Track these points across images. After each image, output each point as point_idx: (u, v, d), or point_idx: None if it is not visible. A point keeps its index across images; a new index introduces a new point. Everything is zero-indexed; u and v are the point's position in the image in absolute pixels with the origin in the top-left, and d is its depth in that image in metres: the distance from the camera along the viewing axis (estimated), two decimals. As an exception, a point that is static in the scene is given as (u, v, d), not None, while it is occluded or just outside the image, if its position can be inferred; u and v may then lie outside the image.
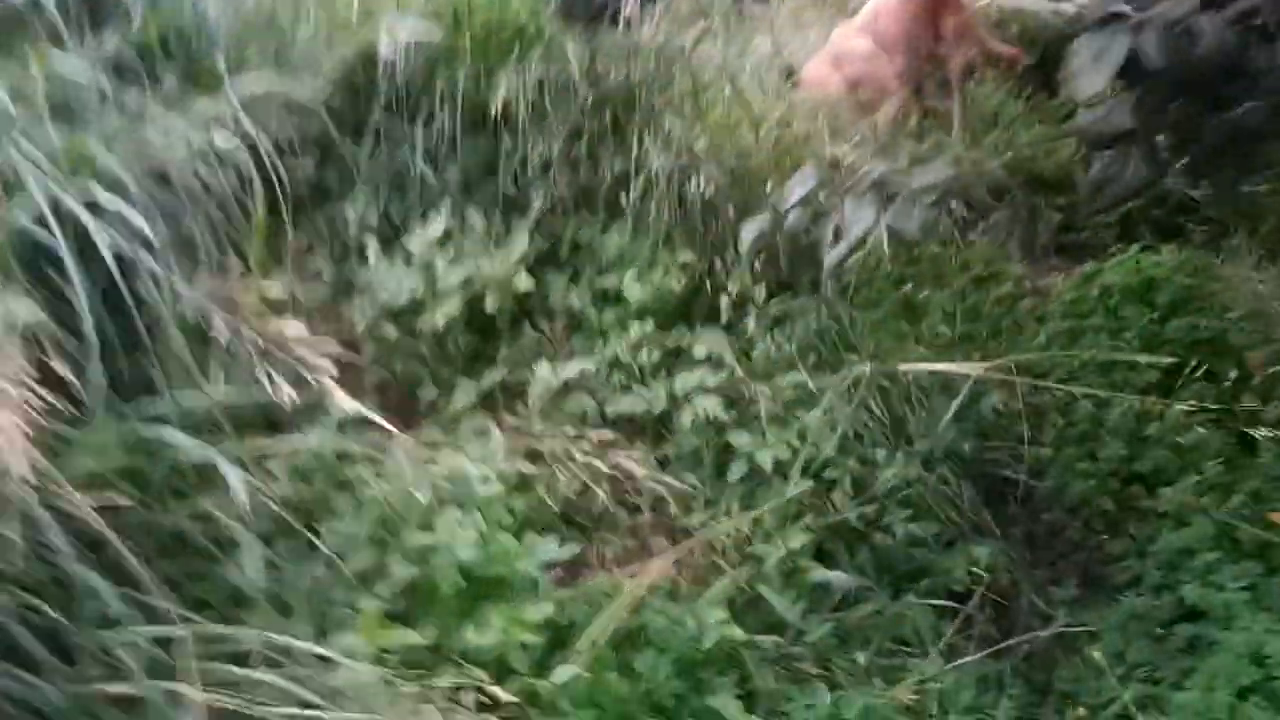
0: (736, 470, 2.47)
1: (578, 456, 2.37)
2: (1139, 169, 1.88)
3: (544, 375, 2.51)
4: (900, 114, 4.47)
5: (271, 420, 2.15)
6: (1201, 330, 3.19)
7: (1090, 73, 1.68)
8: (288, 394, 1.83)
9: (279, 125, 3.02)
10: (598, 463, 2.40)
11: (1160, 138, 1.92)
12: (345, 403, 1.85)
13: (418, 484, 2.00)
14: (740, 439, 2.49)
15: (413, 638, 1.67)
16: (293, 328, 1.97)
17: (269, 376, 1.85)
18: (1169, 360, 2.98)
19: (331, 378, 1.92)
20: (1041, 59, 5.38)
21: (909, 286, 3.19)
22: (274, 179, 3.06)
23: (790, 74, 4.44)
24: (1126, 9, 2.04)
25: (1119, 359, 3.20)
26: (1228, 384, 3.11)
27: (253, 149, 2.26)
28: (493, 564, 1.85)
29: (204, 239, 2.12)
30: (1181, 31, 1.70)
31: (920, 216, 2.00)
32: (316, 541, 1.81)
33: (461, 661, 1.69)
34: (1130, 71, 1.70)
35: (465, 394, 2.57)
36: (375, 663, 1.59)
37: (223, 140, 2.17)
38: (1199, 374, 3.15)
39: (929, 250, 3.62)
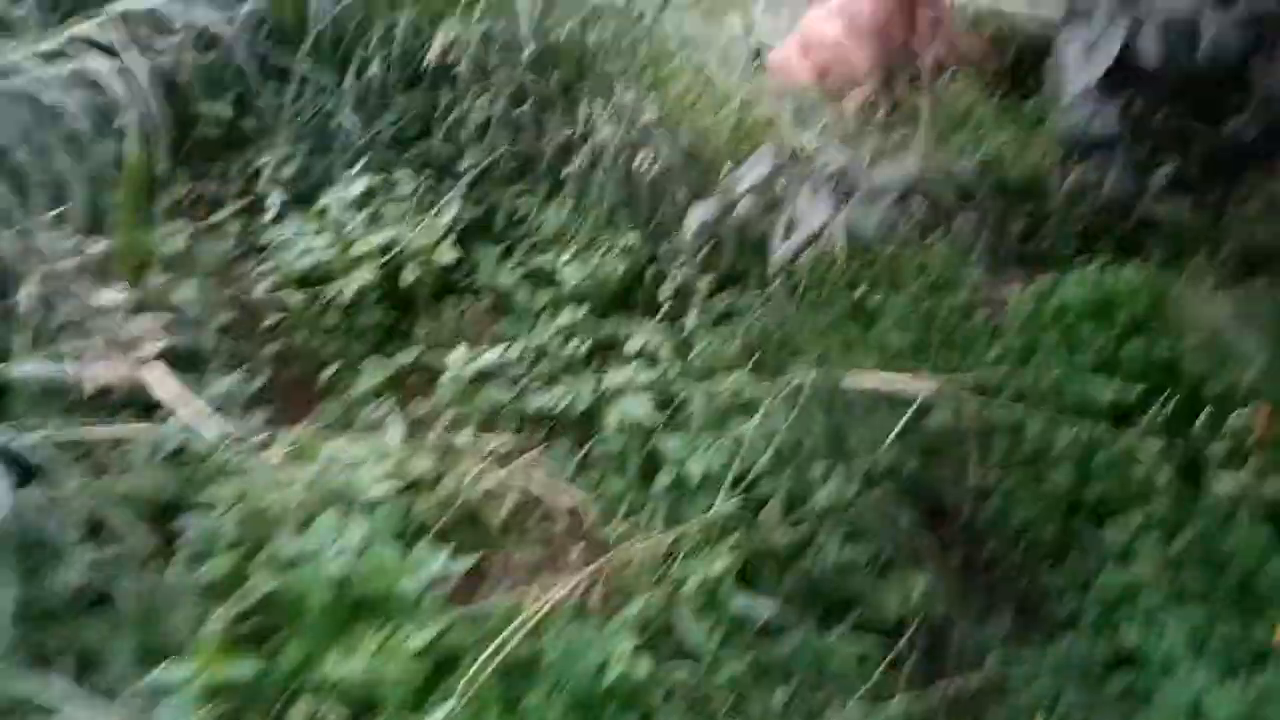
0: (663, 479, 2.26)
1: (488, 453, 2.14)
2: (1120, 179, 1.70)
3: (458, 360, 2.27)
4: (867, 104, 4.30)
5: (150, 404, 1.90)
6: (1157, 355, 3.08)
7: (1080, 68, 1.50)
8: (89, 376, 1.55)
9: (191, 60, 2.74)
10: (510, 462, 2.18)
11: (1145, 147, 1.73)
12: (167, 390, 1.56)
13: (296, 480, 1.76)
14: (669, 445, 2.28)
15: (252, 668, 1.44)
16: (111, 297, 1.68)
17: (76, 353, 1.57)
18: (1123, 388, 2.87)
19: (157, 357, 1.65)
20: (1015, 62, 5.26)
21: (863, 289, 3.02)
22: (172, 119, 2.79)
23: (759, 54, 4.24)
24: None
25: (1073, 378, 3.08)
26: (1182, 413, 3.02)
27: (138, 80, 1.96)
28: (371, 578, 1.63)
29: (72, 182, 1.84)
30: (1183, 30, 1.52)
31: (878, 216, 1.80)
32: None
33: (322, 694, 1.47)
34: (1123, 70, 1.51)
35: (371, 375, 2.33)
36: (209, 697, 1.36)
37: (104, 68, 1.88)
38: (1153, 400, 3.05)
39: (886, 251, 3.46)
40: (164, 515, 1.71)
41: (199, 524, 1.69)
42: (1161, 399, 3.02)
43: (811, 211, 1.89)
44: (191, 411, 1.55)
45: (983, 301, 3.78)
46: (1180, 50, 1.54)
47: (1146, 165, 1.74)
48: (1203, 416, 3.01)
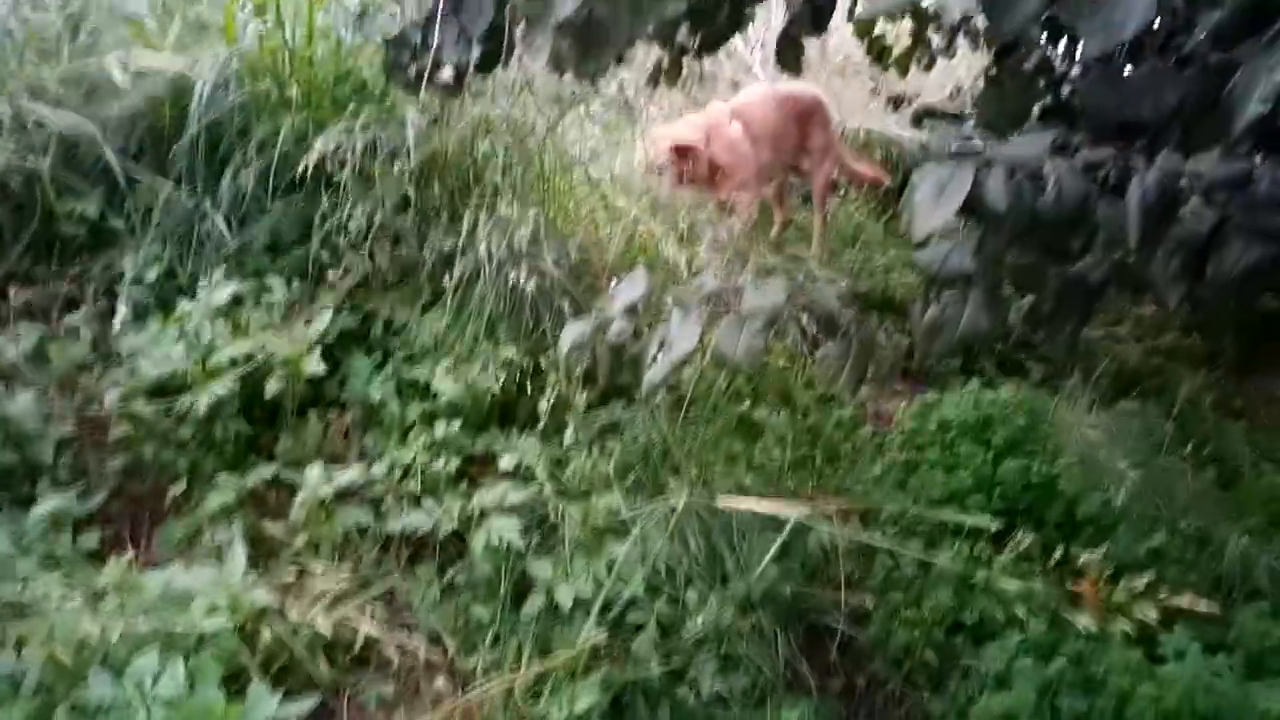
0: (533, 605, 2.16)
1: (342, 580, 2.01)
2: (977, 315, 1.73)
3: (314, 479, 2.15)
4: (753, 212, 4.40)
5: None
6: (1033, 475, 3.14)
7: (930, 209, 1.53)
8: None
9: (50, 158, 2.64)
10: (367, 589, 2.05)
11: (999, 284, 1.78)
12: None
13: (117, 613, 1.61)
14: (540, 569, 2.19)
15: None
16: None
17: None
18: (995, 518, 2.92)
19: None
20: (903, 184, 5.50)
21: (746, 404, 3.02)
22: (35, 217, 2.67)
23: (661, 171, 4.25)
24: (977, 144, 1.95)
25: (954, 496, 3.12)
26: (1058, 532, 3.07)
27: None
28: (190, 727, 1.48)
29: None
30: (1028, 175, 1.57)
31: (747, 341, 1.79)
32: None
33: None
34: (972, 212, 1.56)
35: (222, 493, 2.18)
36: None
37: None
38: (1029, 519, 3.09)
39: (775, 365, 3.49)
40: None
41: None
42: (1035, 520, 3.08)
43: (681, 334, 1.87)
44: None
45: (868, 416, 3.84)
46: (1026, 195, 1.59)
47: (1001, 301, 1.78)
48: (1081, 537, 3.09)
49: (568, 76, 4.41)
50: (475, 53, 2.09)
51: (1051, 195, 1.61)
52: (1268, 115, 1.37)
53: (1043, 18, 1.67)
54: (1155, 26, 2.07)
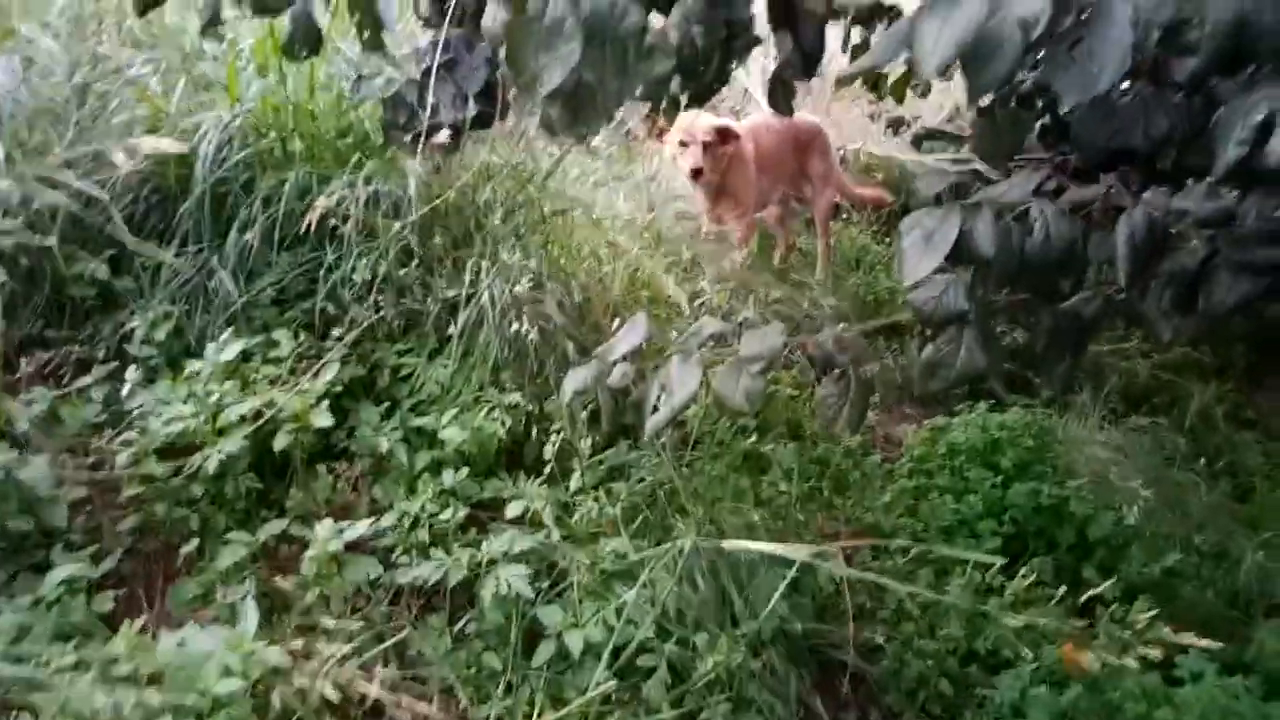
0: (543, 652, 2.17)
1: (354, 634, 2.03)
2: (973, 353, 1.75)
3: (324, 535, 2.17)
4: (752, 242, 4.41)
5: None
6: (1043, 497, 3.14)
7: (918, 256, 1.55)
8: None
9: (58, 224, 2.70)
10: (378, 641, 2.07)
11: (993, 324, 1.79)
12: None
13: (130, 683, 1.64)
14: (550, 616, 2.20)
15: None
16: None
17: None
18: (1006, 542, 2.92)
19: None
20: (905, 205, 5.53)
21: (753, 437, 3.04)
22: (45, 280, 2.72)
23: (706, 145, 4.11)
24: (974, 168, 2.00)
25: (964, 522, 3.12)
26: (1071, 555, 3.06)
27: None
28: (204, 795, 1.50)
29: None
30: (1015, 218, 1.59)
31: (746, 386, 1.81)
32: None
33: None
34: (961, 257, 1.58)
35: (233, 550, 2.21)
36: None
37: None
38: (1041, 543, 3.09)
39: (783, 394, 3.51)
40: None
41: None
42: (1047, 543, 3.07)
43: (682, 380, 1.89)
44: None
45: (878, 441, 3.84)
46: (1014, 237, 1.61)
47: (995, 340, 1.79)
48: (1094, 559, 3.08)
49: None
50: (471, 111, 2.12)
51: (1039, 237, 1.63)
52: (1247, 155, 1.38)
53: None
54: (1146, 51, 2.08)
